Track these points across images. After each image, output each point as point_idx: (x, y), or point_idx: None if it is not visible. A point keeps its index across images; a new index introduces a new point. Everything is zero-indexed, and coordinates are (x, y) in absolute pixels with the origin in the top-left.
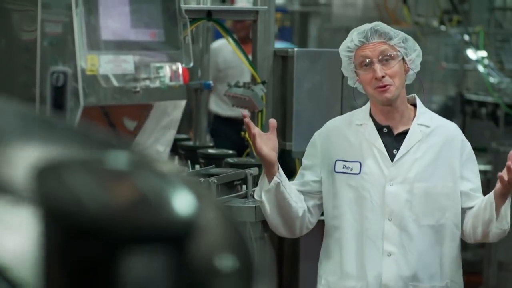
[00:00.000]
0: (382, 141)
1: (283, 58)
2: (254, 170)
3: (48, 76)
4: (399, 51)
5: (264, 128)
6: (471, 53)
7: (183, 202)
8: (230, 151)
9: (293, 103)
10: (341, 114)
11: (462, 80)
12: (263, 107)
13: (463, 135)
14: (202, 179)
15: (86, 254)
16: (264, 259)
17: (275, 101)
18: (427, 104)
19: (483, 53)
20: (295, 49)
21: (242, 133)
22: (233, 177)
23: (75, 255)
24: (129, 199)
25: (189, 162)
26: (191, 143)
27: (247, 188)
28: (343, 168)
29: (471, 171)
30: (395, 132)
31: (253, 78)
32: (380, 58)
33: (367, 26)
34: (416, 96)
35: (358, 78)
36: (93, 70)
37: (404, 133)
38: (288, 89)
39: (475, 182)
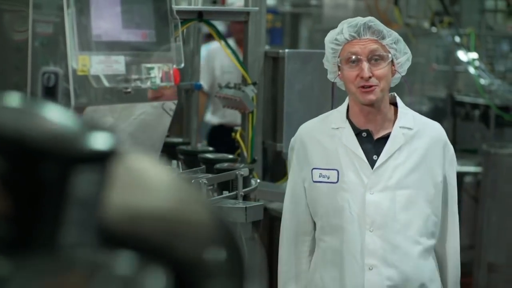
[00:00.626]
0: (361, 146)
1: (274, 59)
2: (244, 171)
3: (39, 77)
4: (390, 52)
5: (255, 129)
6: (462, 55)
7: (101, 132)
8: (230, 156)
9: (283, 104)
10: None
11: (453, 81)
12: (254, 108)
13: (446, 136)
14: (193, 180)
15: (34, 176)
16: (255, 259)
17: (266, 102)
18: (417, 106)
19: (474, 55)
20: (286, 50)
21: (233, 134)
22: (223, 178)
23: (24, 178)
24: (53, 129)
25: (178, 163)
26: (184, 147)
27: (237, 189)
28: (319, 176)
29: (451, 175)
30: (376, 137)
31: (243, 79)
32: (369, 57)
33: (360, 20)
34: (395, 94)
35: (340, 73)
36: (84, 70)
37: (385, 137)
38: (279, 90)
39: (450, 191)
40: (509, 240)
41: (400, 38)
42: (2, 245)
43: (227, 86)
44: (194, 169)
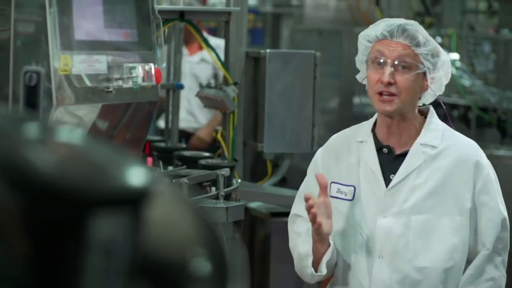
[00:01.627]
0: (380, 163)
1: (255, 59)
2: (225, 171)
3: (21, 76)
4: (422, 63)
5: (236, 129)
6: None
7: (135, 170)
8: (206, 153)
9: (265, 104)
10: (313, 115)
11: None
12: (235, 108)
13: (480, 155)
14: (174, 180)
15: (50, 218)
16: (236, 259)
17: (247, 102)
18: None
19: (455, 56)
20: (267, 50)
21: (214, 133)
22: (205, 178)
23: (39, 220)
24: (86, 165)
25: (161, 163)
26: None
27: (218, 189)
28: (337, 192)
29: (487, 201)
30: (396, 153)
31: (225, 79)
32: (396, 62)
33: (398, 21)
34: (431, 108)
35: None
36: (66, 70)
37: (405, 154)
38: (260, 90)
39: (489, 216)
40: None
41: (443, 52)
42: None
43: (208, 86)
44: (176, 169)
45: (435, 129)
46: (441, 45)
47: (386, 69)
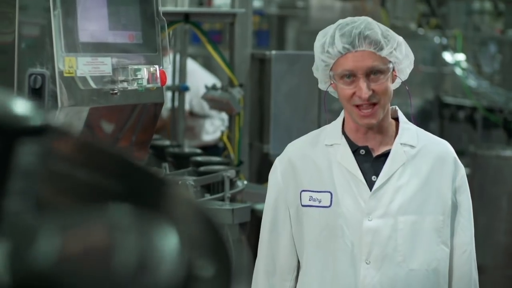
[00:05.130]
0: (359, 165)
1: (260, 61)
2: (231, 173)
3: (26, 78)
4: (390, 61)
5: (242, 131)
6: (449, 57)
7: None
8: (198, 150)
9: (270, 105)
10: (318, 117)
11: (440, 83)
12: (241, 110)
13: (455, 155)
14: (180, 181)
15: None
16: (242, 261)
17: (253, 103)
18: (404, 108)
19: (461, 56)
20: (273, 52)
21: (220, 135)
22: (211, 179)
23: None
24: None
25: (166, 165)
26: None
27: (224, 191)
28: (309, 200)
29: (464, 201)
30: (374, 154)
31: (230, 81)
32: (367, 72)
33: (352, 23)
34: (397, 108)
35: (332, 83)
36: (70, 72)
37: (385, 155)
38: (266, 91)
39: (465, 216)
40: (497, 242)
41: (401, 40)
42: None
43: (214, 88)
44: (181, 170)
45: (410, 128)
46: (447, 46)
47: (361, 84)
